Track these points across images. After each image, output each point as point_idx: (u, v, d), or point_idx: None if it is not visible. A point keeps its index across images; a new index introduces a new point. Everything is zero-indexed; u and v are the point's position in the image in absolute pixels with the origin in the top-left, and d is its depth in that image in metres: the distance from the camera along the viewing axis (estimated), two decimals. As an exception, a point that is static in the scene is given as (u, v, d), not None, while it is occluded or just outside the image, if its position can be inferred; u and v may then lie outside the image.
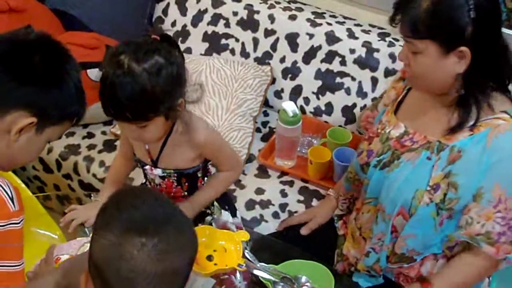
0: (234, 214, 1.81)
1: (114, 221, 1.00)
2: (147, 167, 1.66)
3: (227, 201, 1.84)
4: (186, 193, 1.71)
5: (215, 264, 1.50)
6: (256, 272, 1.53)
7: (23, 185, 1.95)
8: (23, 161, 1.33)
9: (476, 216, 1.46)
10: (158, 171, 1.65)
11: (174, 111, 1.48)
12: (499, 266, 1.53)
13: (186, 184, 1.70)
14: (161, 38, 1.47)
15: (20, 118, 1.20)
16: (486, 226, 1.45)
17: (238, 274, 1.57)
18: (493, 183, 1.44)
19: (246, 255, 1.55)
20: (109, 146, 2.30)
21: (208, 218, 1.75)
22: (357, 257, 1.70)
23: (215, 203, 1.77)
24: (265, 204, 2.09)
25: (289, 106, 2.09)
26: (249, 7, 2.47)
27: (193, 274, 1.53)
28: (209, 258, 1.52)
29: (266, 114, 2.50)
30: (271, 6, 2.45)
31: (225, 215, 1.75)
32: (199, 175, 1.71)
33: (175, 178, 1.67)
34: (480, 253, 1.49)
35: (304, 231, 1.84)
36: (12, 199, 1.19)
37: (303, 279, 1.53)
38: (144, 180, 1.79)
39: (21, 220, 1.20)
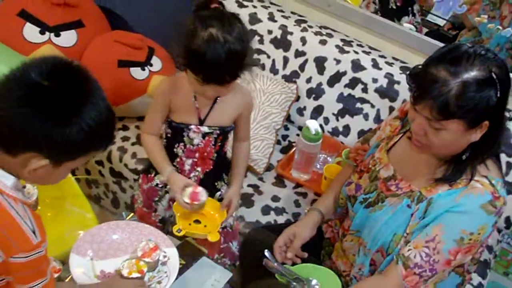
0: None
1: None
2: (192, 126, 1.85)
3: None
4: (215, 154, 1.91)
5: (189, 225, 1.80)
6: (273, 270, 1.69)
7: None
8: (46, 184, 1.31)
9: (411, 241, 1.56)
10: (204, 128, 1.86)
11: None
12: None
13: (219, 144, 1.90)
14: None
15: (32, 159, 1.17)
16: (412, 252, 1.54)
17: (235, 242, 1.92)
18: (438, 223, 1.52)
19: (266, 254, 1.71)
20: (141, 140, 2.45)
21: (217, 194, 1.96)
22: (345, 269, 1.82)
23: (225, 178, 1.99)
24: (280, 211, 2.25)
25: (313, 125, 2.26)
26: (283, 27, 2.63)
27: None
28: (197, 221, 1.83)
29: (287, 128, 2.66)
30: (304, 29, 2.62)
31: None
32: (229, 137, 1.94)
33: (216, 136, 1.88)
34: (391, 272, 1.57)
35: (289, 255, 1.74)
36: (34, 231, 1.20)
37: (313, 282, 1.67)
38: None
39: (44, 246, 1.24)
